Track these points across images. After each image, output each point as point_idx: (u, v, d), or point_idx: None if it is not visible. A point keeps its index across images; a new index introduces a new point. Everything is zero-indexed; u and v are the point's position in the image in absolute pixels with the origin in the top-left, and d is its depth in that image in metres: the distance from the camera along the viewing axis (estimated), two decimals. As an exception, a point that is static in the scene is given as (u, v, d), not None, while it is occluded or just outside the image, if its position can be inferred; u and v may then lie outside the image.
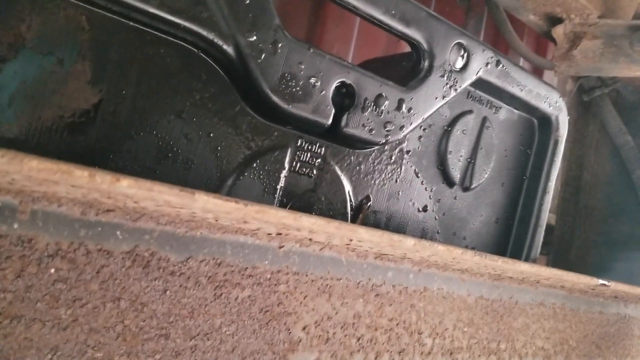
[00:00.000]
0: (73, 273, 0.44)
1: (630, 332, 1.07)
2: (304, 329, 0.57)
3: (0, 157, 0.33)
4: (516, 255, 0.86)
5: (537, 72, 1.73)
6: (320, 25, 1.18)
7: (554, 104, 0.85)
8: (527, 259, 0.86)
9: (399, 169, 0.72)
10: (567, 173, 1.46)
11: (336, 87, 0.60)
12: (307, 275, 0.57)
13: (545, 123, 0.86)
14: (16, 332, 0.43)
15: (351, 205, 0.69)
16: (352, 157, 0.67)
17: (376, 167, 0.70)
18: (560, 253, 1.43)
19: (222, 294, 0.51)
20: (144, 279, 0.47)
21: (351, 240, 0.53)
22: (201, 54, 0.53)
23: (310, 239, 0.55)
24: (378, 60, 0.85)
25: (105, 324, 0.45)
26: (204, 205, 0.40)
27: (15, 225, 0.41)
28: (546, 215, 0.87)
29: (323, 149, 0.64)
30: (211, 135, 0.55)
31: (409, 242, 0.55)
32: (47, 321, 0.43)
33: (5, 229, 0.41)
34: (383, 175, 0.71)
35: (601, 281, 0.79)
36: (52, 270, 0.43)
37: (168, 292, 0.48)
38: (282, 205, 0.62)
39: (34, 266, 0.43)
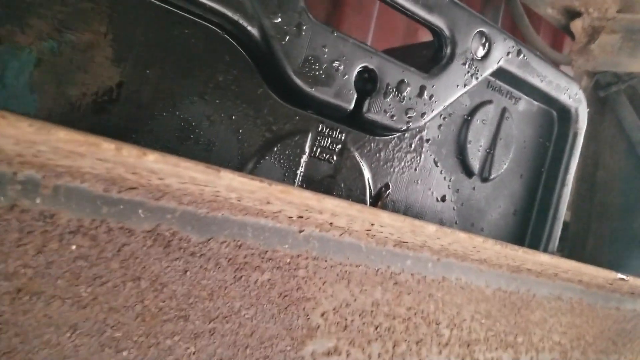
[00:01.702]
0: (94, 250, 0.43)
1: (645, 329, 1.05)
2: (322, 315, 0.57)
3: (28, 127, 0.32)
4: (534, 247, 0.85)
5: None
6: (338, 14, 1.18)
7: (574, 96, 0.84)
8: (545, 251, 0.85)
9: (418, 158, 0.72)
10: (582, 169, 1.45)
11: (359, 72, 0.60)
12: (326, 261, 0.56)
13: (565, 115, 0.85)
14: (35, 309, 0.42)
15: (370, 192, 0.68)
16: (372, 144, 0.67)
17: (396, 155, 0.69)
18: (575, 250, 1.41)
19: (242, 276, 0.50)
20: (165, 259, 0.46)
21: (372, 224, 0.52)
22: (225, 35, 0.52)
23: (331, 224, 0.54)
24: (397, 49, 0.84)
25: (125, 303, 0.45)
26: (229, 183, 0.39)
27: (38, 200, 0.41)
28: (564, 208, 0.86)
29: (343, 135, 0.64)
30: (233, 117, 0.54)
31: (430, 229, 0.54)
32: (67, 298, 0.43)
33: (28, 203, 0.40)
34: (402, 164, 0.70)
35: (620, 275, 0.78)
36: (74, 247, 0.43)
37: (188, 273, 0.48)
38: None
39: (55, 242, 0.42)
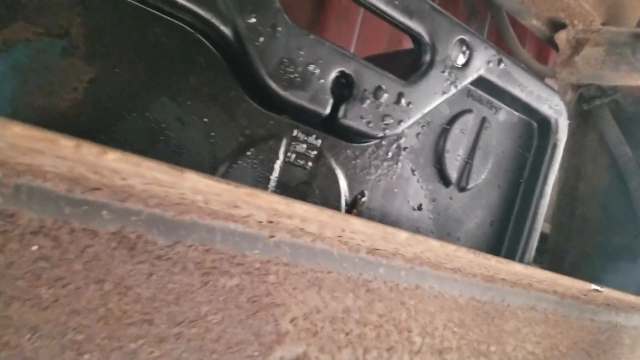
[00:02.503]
0: (56, 252, 0.43)
1: (620, 340, 1.06)
2: (292, 321, 0.56)
3: (-17, 123, 0.32)
4: (510, 257, 0.85)
5: (537, 79, 1.73)
6: (321, 22, 1.18)
7: (555, 107, 0.84)
8: (521, 262, 0.85)
9: (395, 166, 0.71)
10: (563, 182, 1.45)
11: (335, 76, 0.59)
12: (297, 267, 0.56)
13: (545, 126, 0.85)
14: (-5, 310, 0.41)
15: (345, 199, 0.68)
16: (348, 151, 0.66)
17: (372, 163, 0.69)
18: (554, 262, 1.42)
19: (209, 281, 0.50)
20: (130, 262, 0.46)
21: (344, 231, 0.52)
22: (199, 35, 0.52)
23: (302, 229, 0.53)
24: (379, 57, 0.84)
25: (87, 305, 0.44)
26: (194, 184, 0.39)
27: (-2, 199, 0.40)
28: (542, 219, 0.86)
29: (319, 140, 0.63)
30: (205, 120, 0.54)
31: (402, 236, 0.54)
32: (27, 300, 0.42)
33: (-13, 202, 0.40)
34: (379, 171, 0.70)
35: (594, 286, 0.79)
36: (35, 248, 0.42)
37: (154, 277, 0.47)
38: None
39: (15, 242, 0.42)
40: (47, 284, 0.43)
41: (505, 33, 1.31)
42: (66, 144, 0.33)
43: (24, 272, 0.42)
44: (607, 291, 0.81)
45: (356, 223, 0.49)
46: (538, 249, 1.51)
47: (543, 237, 1.49)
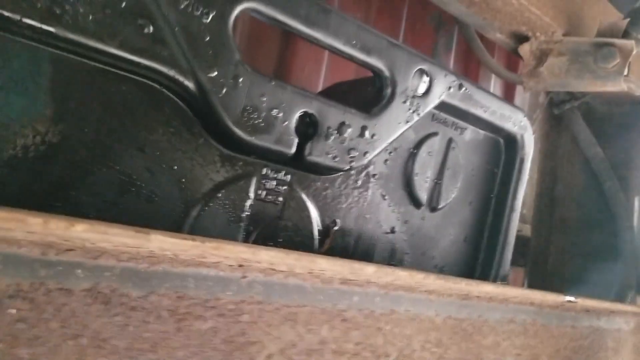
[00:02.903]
0: (33, 313, 0.44)
1: (604, 344, 1.08)
2: (268, 357, 0.58)
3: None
4: (485, 272, 0.88)
5: (509, 87, 1.76)
6: (291, 46, 1.20)
7: (519, 124, 0.87)
8: (496, 276, 0.87)
9: (365, 193, 0.74)
10: (540, 185, 1.49)
11: (299, 116, 0.62)
12: (271, 304, 0.58)
13: (511, 142, 0.88)
14: (-24, 373, 0.43)
15: (318, 230, 0.70)
16: (318, 183, 0.69)
17: (343, 192, 0.71)
18: (537, 264, 1.45)
19: (184, 327, 0.52)
20: (105, 315, 0.47)
21: (312, 270, 0.54)
22: (163, 89, 0.54)
23: (273, 269, 0.55)
24: (344, 84, 0.87)
25: (66, 361, 0.46)
26: (160, 245, 0.41)
27: (-27, 268, 0.41)
28: (514, 232, 0.88)
29: (289, 176, 0.65)
30: (175, 168, 0.56)
31: (369, 270, 0.56)
32: (7, 361, 0.44)
33: (-37, 272, 0.41)
34: (350, 200, 0.72)
35: (568, 298, 0.81)
36: (13, 311, 0.44)
37: (130, 327, 0.49)
38: (248, 233, 0.63)
39: (-7, 308, 0.43)
40: (26, 344, 0.44)
41: (474, 44, 1.34)
42: (34, 222, 0.35)
43: (4, 335, 0.44)
44: (581, 301, 0.83)
45: (322, 263, 0.51)
46: (520, 252, 1.54)
47: (524, 239, 1.52)
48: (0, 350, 0.44)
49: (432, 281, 0.61)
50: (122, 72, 0.52)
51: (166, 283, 0.50)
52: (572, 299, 0.81)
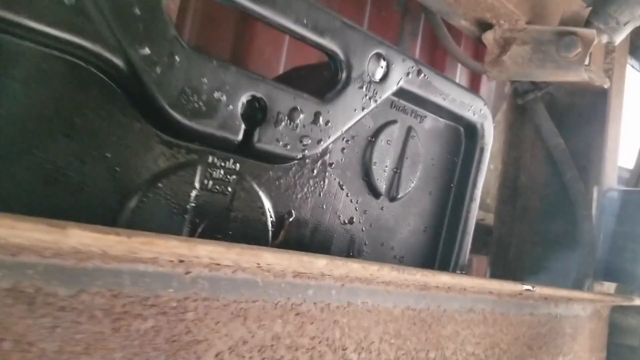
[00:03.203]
0: (-56, 315, 0.40)
1: (561, 331, 1.09)
2: (216, 356, 0.55)
3: None
4: (445, 262, 0.86)
5: (475, 76, 1.76)
6: (249, 28, 1.15)
7: (479, 112, 0.86)
8: (455, 266, 0.86)
9: (322, 182, 0.71)
10: (504, 175, 1.49)
11: (247, 101, 0.58)
12: (218, 300, 0.54)
13: (471, 131, 0.86)
14: None
15: (272, 221, 0.67)
16: (270, 172, 0.65)
17: (297, 181, 0.68)
18: (499, 253, 1.46)
19: (121, 327, 0.48)
20: (30, 317, 0.43)
21: (258, 264, 0.51)
22: (91, 68, 0.49)
23: (218, 264, 0.52)
24: (302, 69, 0.83)
25: (-14, 367, 0.42)
26: (80, 240, 0.37)
27: None
28: (474, 222, 0.87)
29: (238, 164, 0.62)
30: (107, 155, 0.51)
31: (320, 263, 0.53)
32: None
33: None
34: (305, 189, 0.69)
35: (526, 286, 0.81)
36: None
37: (58, 329, 0.45)
38: (195, 225, 0.60)
39: None
40: (-63, 351, 0.40)
41: (439, 32, 1.32)
42: None
43: None
44: (539, 289, 0.83)
45: (269, 257, 0.48)
46: (483, 241, 1.54)
47: (487, 228, 1.53)
48: None
49: (387, 273, 0.59)
50: (42, 48, 0.47)
51: (98, 281, 0.46)
52: (530, 287, 0.81)
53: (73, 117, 0.48)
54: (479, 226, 0.89)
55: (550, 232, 1.40)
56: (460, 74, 1.79)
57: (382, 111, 0.76)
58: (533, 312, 1.00)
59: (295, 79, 0.71)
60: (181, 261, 0.49)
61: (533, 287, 0.82)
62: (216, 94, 0.54)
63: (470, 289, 0.76)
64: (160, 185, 0.55)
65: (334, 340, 0.66)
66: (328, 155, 0.71)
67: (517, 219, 1.46)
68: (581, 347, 1.18)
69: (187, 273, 0.52)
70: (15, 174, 0.46)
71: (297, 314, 0.63)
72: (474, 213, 0.86)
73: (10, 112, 0.46)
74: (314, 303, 0.64)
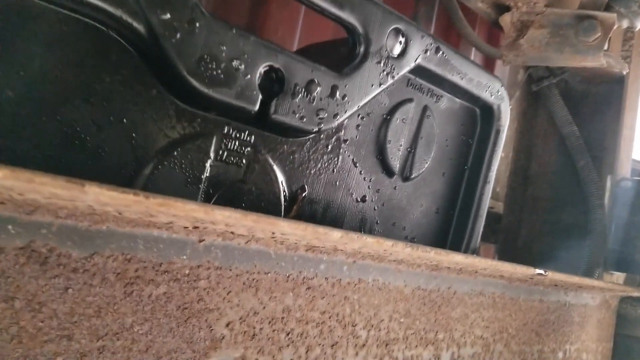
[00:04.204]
0: (-42, 271, 0.40)
1: (570, 319, 1.09)
2: (227, 325, 0.55)
3: None
4: (456, 245, 0.86)
5: (488, 61, 1.74)
6: (264, 6, 1.14)
7: (496, 93, 0.84)
8: (467, 249, 0.85)
9: (336, 159, 0.70)
10: (515, 163, 1.48)
11: (264, 71, 0.57)
12: (231, 270, 0.54)
13: (487, 112, 0.85)
14: None
15: (285, 195, 0.66)
16: (285, 146, 0.65)
17: (312, 157, 0.68)
18: (507, 242, 1.45)
19: (133, 291, 0.48)
20: (42, 277, 0.43)
21: (273, 233, 0.50)
22: (111, 32, 0.49)
23: (232, 232, 0.52)
24: (318, 45, 0.82)
25: (-3, 325, 0.42)
26: (97, 197, 0.36)
27: None
28: (487, 205, 0.86)
29: (253, 137, 0.61)
30: (124, 121, 0.51)
31: (335, 235, 0.53)
32: None
33: None
34: (319, 165, 0.69)
35: (538, 271, 0.80)
36: None
37: (70, 291, 0.45)
38: (208, 196, 0.59)
39: None
40: (-49, 305, 0.40)
41: (454, 15, 1.30)
42: (-58, 163, 0.31)
43: None
44: (551, 274, 0.82)
45: (284, 226, 0.48)
46: (492, 229, 1.53)
47: (497, 216, 1.52)
48: None
49: (401, 249, 0.59)
50: (64, 11, 0.46)
51: (112, 244, 0.46)
52: (542, 272, 0.80)
53: (92, 82, 0.48)
54: (488, 214, 0.88)
55: (561, 221, 1.39)
56: (474, 59, 1.77)
57: (398, 89, 0.75)
58: (542, 299, 0.99)
59: (312, 55, 0.70)
60: (195, 227, 0.49)
61: (545, 271, 0.81)
62: (234, 63, 0.53)
63: (483, 270, 0.75)
64: (175, 153, 0.55)
65: (344, 316, 0.66)
66: (343, 131, 0.70)
67: (527, 207, 1.44)
68: (589, 337, 1.17)
69: (201, 241, 0.52)
70: (35, 136, 0.46)
71: (309, 288, 0.62)
72: (488, 196, 0.85)
73: (32, 75, 0.45)
74: (326, 278, 0.64)
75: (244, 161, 0.61)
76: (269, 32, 1.12)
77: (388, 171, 0.76)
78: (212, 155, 0.58)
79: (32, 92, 0.46)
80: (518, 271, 0.77)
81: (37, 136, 0.47)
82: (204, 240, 0.52)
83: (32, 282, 0.43)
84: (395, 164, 0.76)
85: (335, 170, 0.71)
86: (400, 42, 0.69)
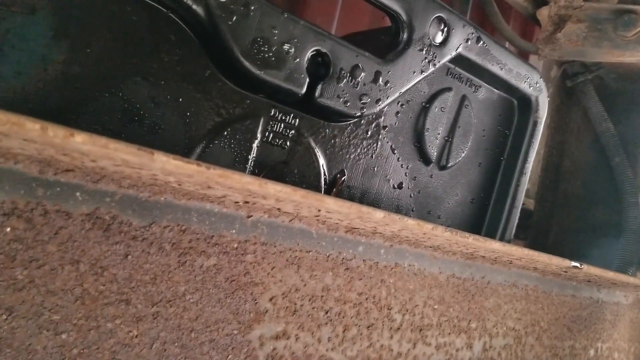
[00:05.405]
0: (30, 233, 0.43)
1: (602, 316, 1.08)
2: (270, 299, 0.57)
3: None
4: (490, 236, 0.86)
5: (522, 56, 1.72)
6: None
7: (534, 85, 0.84)
8: (501, 240, 0.86)
9: (375, 145, 0.72)
10: (547, 159, 1.47)
11: (311, 55, 0.59)
12: (275, 246, 0.56)
13: (525, 104, 0.85)
14: (-31, 292, 0.42)
15: (325, 179, 0.68)
16: (327, 130, 0.66)
17: (352, 142, 0.69)
18: (538, 238, 1.44)
19: (186, 261, 0.50)
20: (105, 243, 0.46)
21: (319, 210, 0.52)
22: (170, 13, 0.51)
23: (279, 209, 0.54)
24: (358, 34, 0.84)
25: (63, 286, 0.44)
26: (163, 166, 0.39)
27: (-33, 182, 0.40)
28: (522, 196, 0.87)
29: (297, 120, 0.63)
30: (180, 99, 0.53)
31: (378, 215, 0.54)
32: (1, 281, 0.42)
33: (-44, 184, 0.39)
34: (359, 150, 0.70)
35: (574, 263, 0.80)
36: (8, 230, 0.42)
37: (130, 257, 0.47)
38: (253, 175, 0.61)
39: (-13, 225, 0.42)
40: (22, 265, 0.43)
41: (489, 9, 1.30)
42: (32, 127, 0.33)
43: (-2, 254, 0.42)
44: (586, 268, 0.82)
45: (330, 203, 0.49)
46: (522, 225, 1.52)
47: (527, 213, 1.51)
48: (-6, 269, 0.42)
49: (440, 233, 0.60)
50: (128, -7, 0.49)
51: (168, 215, 0.48)
52: (577, 264, 0.80)
53: (151, 61, 0.50)
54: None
55: (592, 219, 1.37)
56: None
57: (438, 78, 0.76)
58: (575, 294, 0.99)
59: (352, 43, 0.72)
60: (246, 202, 0.51)
61: (581, 264, 0.81)
62: (285, 46, 0.55)
63: (519, 260, 0.76)
64: (225, 133, 0.57)
65: (380, 299, 0.67)
66: (382, 117, 0.71)
67: (559, 204, 1.43)
68: (620, 336, 1.16)
69: (249, 216, 0.54)
70: (96, 110, 0.49)
71: (347, 269, 0.64)
72: (524, 187, 0.86)
73: (96, 52, 0.48)
74: (364, 260, 0.65)
75: (287, 143, 0.63)
76: (307, 22, 1.14)
77: (425, 159, 0.77)
78: (258, 136, 0.60)
79: (97, 68, 0.48)
80: (553, 262, 0.77)
81: (100, 111, 0.49)
82: (251, 216, 0.54)
83: (96, 247, 0.46)
84: (433, 152, 0.77)
85: (373, 156, 0.72)
86: (443, 31, 0.70)
